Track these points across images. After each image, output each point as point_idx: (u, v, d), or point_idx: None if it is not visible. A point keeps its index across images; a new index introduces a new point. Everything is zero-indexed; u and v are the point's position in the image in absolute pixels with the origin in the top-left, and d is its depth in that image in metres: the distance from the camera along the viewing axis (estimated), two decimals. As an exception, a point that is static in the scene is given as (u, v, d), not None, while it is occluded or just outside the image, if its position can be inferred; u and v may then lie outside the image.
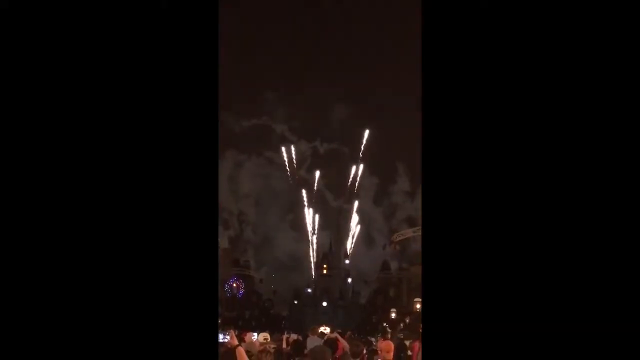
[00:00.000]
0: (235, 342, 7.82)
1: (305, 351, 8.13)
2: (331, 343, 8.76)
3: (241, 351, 7.03)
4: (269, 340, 8.76)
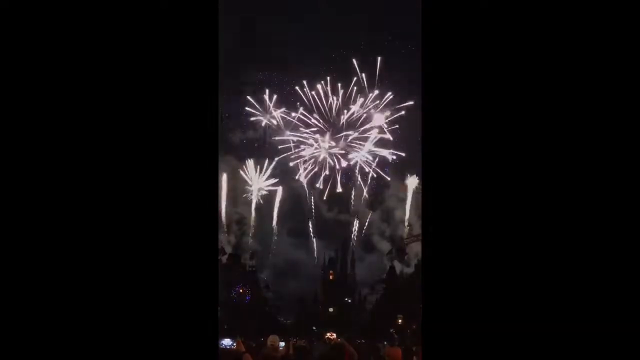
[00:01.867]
0: (242, 349, 7.79)
1: (312, 357, 8.10)
2: (338, 349, 8.72)
3: (248, 358, 7.02)
4: (276, 343, 8.70)
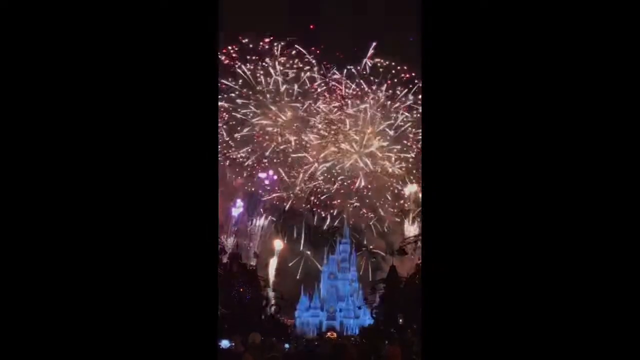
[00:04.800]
0: (242, 348, 7.78)
1: (314, 357, 8.14)
2: (339, 349, 8.78)
3: (248, 358, 7.01)
4: (257, 342, 8.69)
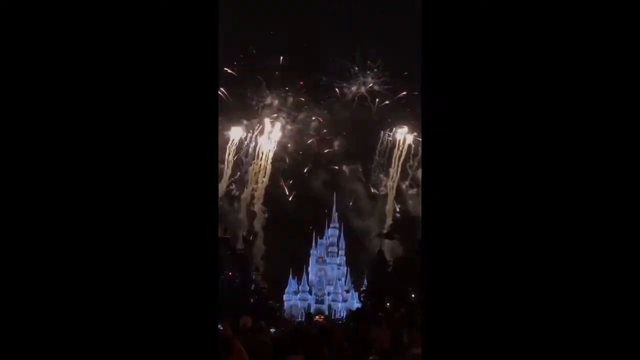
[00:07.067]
0: (230, 333, 7.71)
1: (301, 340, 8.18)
2: (326, 332, 8.85)
3: (237, 343, 6.96)
4: (248, 325, 8.60)
